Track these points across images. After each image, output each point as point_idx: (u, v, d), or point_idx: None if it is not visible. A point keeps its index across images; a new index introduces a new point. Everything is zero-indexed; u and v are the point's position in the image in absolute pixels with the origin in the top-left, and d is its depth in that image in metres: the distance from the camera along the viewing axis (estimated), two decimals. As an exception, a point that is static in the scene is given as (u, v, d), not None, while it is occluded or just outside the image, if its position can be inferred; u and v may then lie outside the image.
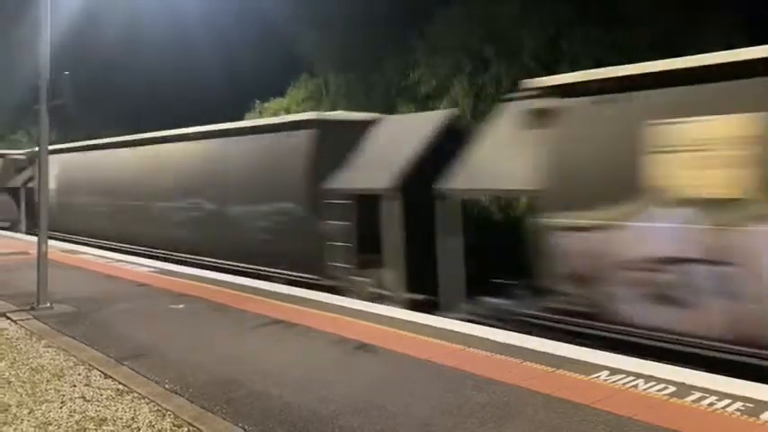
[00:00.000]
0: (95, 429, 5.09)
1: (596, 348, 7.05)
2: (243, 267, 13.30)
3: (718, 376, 5.94)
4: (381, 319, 8.63)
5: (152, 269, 13.74)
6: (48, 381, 6.26)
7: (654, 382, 5.83)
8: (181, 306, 9.85)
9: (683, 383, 5.76)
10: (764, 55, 6.89)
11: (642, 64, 8.02)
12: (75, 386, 6.10)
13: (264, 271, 12.80)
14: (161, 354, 7.18)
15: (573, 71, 9.63)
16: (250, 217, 13.52)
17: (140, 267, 14.00)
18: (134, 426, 5.14)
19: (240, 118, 23.07)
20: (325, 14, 23.35)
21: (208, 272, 13.20)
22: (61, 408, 5.53)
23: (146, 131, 18.67)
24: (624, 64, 8.29)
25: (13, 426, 5.14)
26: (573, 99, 8.64)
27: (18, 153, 27.34)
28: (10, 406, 5.56)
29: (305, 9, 23.63)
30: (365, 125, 12.62)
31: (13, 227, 25.30)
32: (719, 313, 7.00)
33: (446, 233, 9.95)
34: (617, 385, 5.82)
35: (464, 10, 18.40)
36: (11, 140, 35.01)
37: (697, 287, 7.12)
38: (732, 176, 6.93)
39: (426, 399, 5.58)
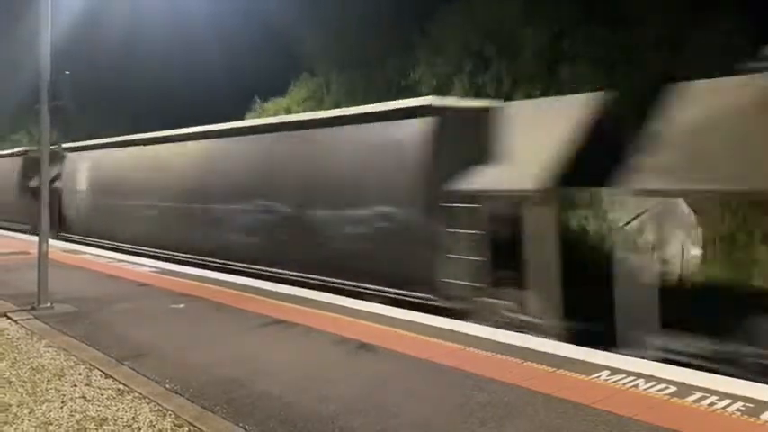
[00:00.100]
0: (96, 429, 5.09)
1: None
2: (327, 282, 11.48)
3: (719, 376, 5.96)
4: (382, 319, 8.64)
5: (153, 269, 13.75)
6: (48, 380, 6.26)
7: (654, 382, 5.84)
8: (182, 306, 9.85)
9: (684, 383, 5.77)
10: None
11: None
12: (75, 386, 6.10)
13: (357, 287, 10.82)
14: (162, 353, 7.18)
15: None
16: (338, 222, 11.55)
17: (142, 267, 14.01)
18: (135, 425, 5.14)
19: (241, 118, 23.05)
20: (325, 14, 23.37)
21: (208, 272, 13.16)
22: (62, 407, 5.53)
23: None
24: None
25: (14, 425, 5.14)
26: None
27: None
28: (11, 405, 5.56)
29: (306, 9, 23.63)
30: (485, 113, 10.48)
31: (33, 230, 24.84)
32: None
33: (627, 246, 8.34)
34: (617, 385, 5.82)
35: (465, 9, 18.40)
36: (11, 140, 35.05)
37: None
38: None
39: (427, 398, 5.59)
